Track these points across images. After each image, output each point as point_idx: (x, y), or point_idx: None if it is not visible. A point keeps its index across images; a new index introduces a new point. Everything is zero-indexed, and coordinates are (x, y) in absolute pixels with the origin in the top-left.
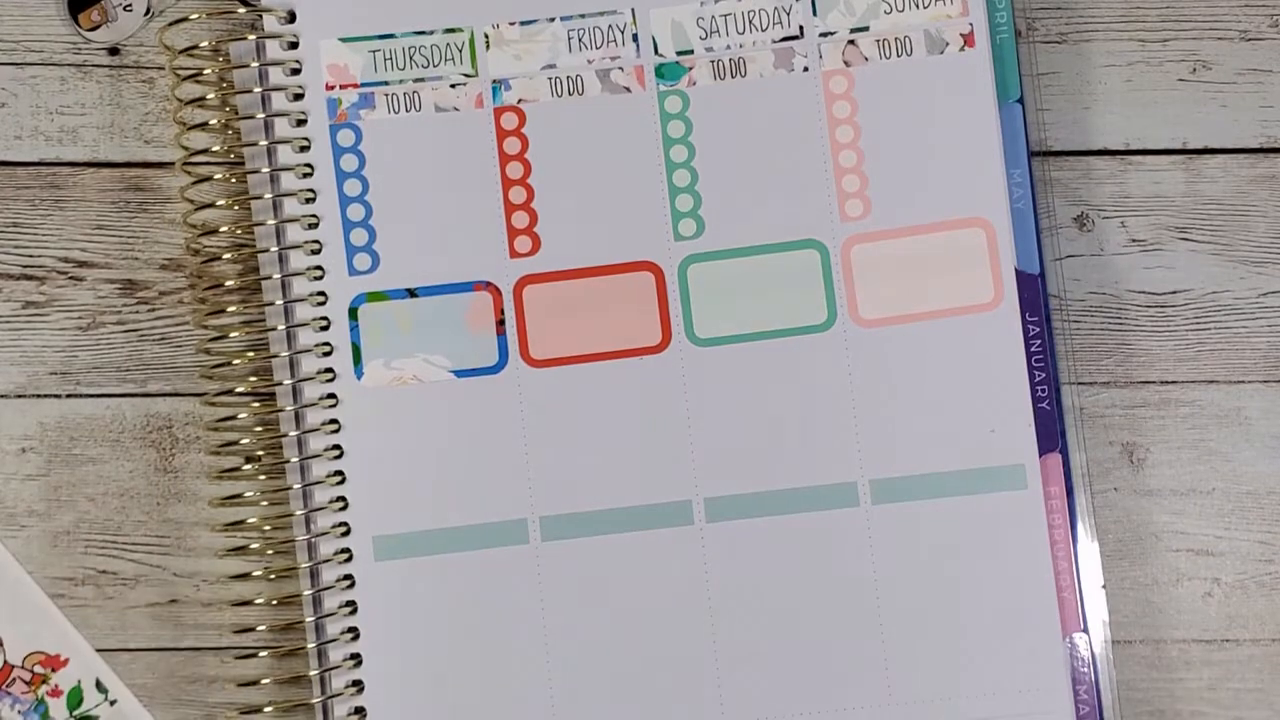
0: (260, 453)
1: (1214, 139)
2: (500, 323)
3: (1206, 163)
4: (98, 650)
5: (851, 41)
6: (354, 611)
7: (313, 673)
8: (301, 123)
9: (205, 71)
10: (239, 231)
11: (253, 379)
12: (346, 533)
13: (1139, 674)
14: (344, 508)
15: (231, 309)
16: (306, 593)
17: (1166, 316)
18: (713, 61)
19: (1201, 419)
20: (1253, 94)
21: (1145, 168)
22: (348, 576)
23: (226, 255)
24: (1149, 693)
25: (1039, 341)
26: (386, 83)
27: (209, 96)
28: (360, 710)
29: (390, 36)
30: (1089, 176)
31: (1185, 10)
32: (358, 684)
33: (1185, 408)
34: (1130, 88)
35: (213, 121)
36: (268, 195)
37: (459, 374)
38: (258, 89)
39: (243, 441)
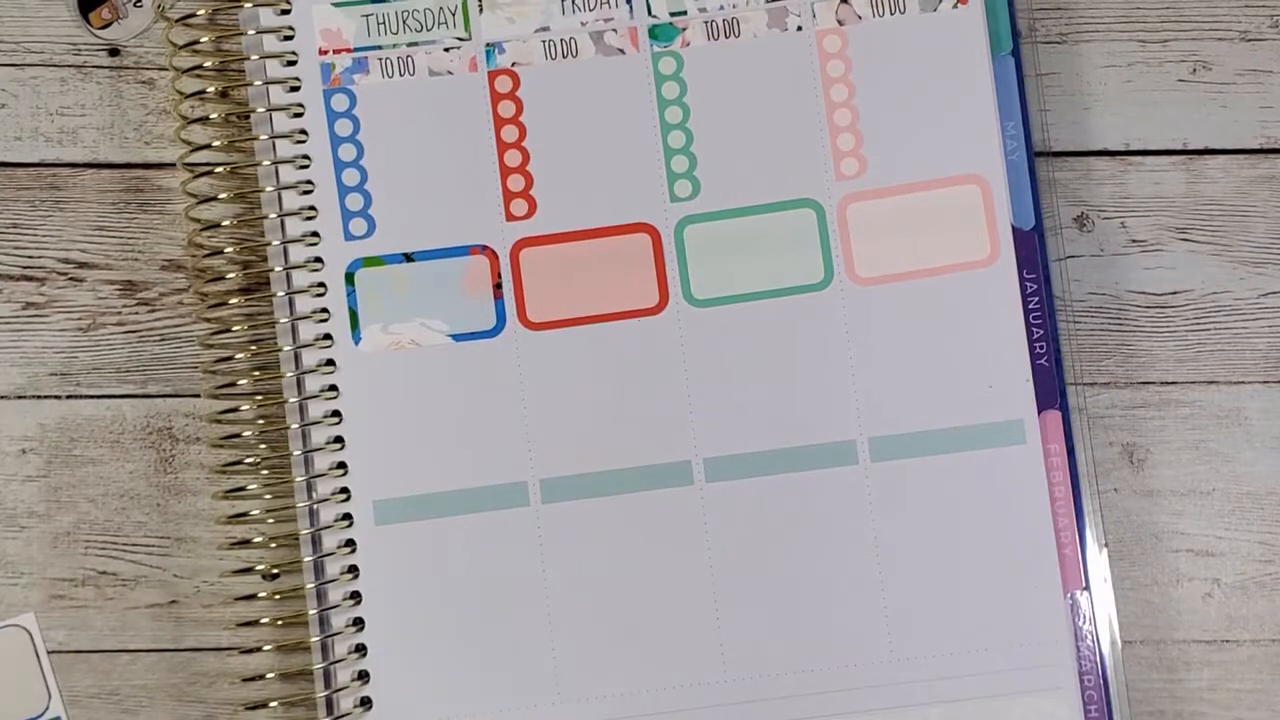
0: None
1: (1214, 139)
2: (498, 286)
3: (1206, 163)
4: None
5: (845, 0)
6: (356, 576)
7: (313, 639)
8: (295, 89)
9: (202, 40)
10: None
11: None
12: (347, 498)
13: (1139, 674)
14: (344, 473)
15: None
16: (308, 559)
17: (1166, 317)
18: (706, 22)
19: (1201, 419)
20: (1253, 94)
21: (1145, 168)
22: (349, 541)
23: (226, 223)
24: (1149, 693)
25: (1037, 299)
26: (380, 47)
27: (206, 64)
28: (363, 675)
29: (383, 1)
30: (1089, 176)
31: (1185, 10)
32: (360, 648)
33: (1185, 408)
34: (1130, 88)
35: (211, 90)
36: (266, 162)
37: (457, 338)
38: (255, 56)
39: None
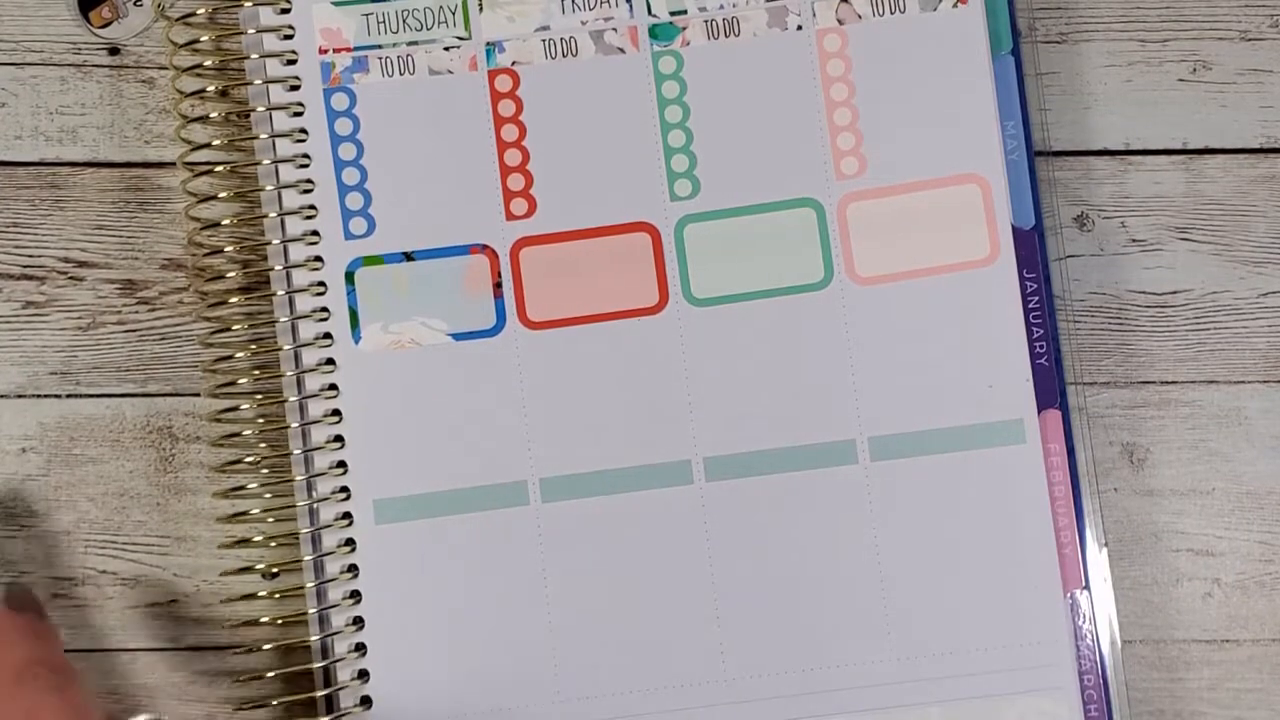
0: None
1: (1214, 139)
2: (497, 285)
3: (1206, 163)
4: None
5: (844, 0)
6: (355, 575)
7: (313, 638)
8: (295, 88)
9: (202, 39)
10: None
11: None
12: (347, 497)
13: (1139, 674)
14: (344, 472)
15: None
16: (308, 558)
17: (1166, 316)
18: (706, 21)
19: (1201, 419)
20: (1253, 94)
21: (1145, 168)
22: (349, 540)
23: (225, 222)
24: (1149, 693)
25: (1037, 299)
26: (380, 46)
27: (206, 64)
28: (363, 673)
29: None
30: (1089, 176)
31: (1185, 10)
32: (360, 647)
33: (1185, 408)
34: (1130, 88)
35: (211, 89)
36: (266, 161)
37: (457, 337)
38: (255, 55)
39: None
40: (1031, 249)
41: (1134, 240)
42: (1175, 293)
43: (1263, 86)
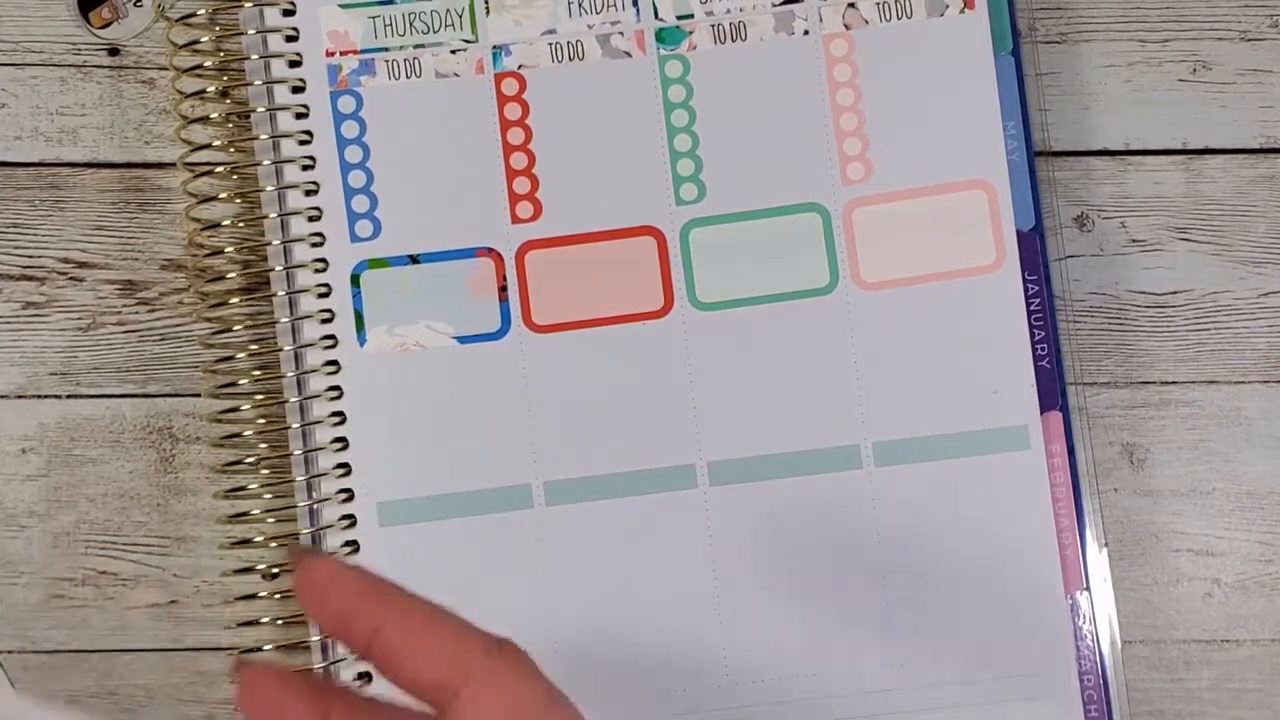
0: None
1: (1214, 139)
2: (502, 289)
3: (1206, 163)
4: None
5: (851, 4)
6: None
7: (314, 639)
8: (299, 90)
9: (203, 40)
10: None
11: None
12: (349, 499)
13: (1139, 674)
14: (347, 474)
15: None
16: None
17: (1166, 317)
18: (713, 25)
19: (1201, 419)
20: (1253, 94)
21: (1145, 168)
22: (352, 542)
23: (226, 222)
24: (1149, 693)
25: (1038, 300)
26: (387, 49)
27: (207, 65)
28: (364, 675)
29: (390, 2)
30: (1089, 176)
31: (1185, 10)
32: None
33: (1185, 408)
34: (1130, 88)
35: (211, 90)
36: (267, 162)
37: (461, 340)
38: (257, 56)
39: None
40: (1032, 250)
41: (1134, 240)
42: (1175, 293)
43: (1263, 86)
